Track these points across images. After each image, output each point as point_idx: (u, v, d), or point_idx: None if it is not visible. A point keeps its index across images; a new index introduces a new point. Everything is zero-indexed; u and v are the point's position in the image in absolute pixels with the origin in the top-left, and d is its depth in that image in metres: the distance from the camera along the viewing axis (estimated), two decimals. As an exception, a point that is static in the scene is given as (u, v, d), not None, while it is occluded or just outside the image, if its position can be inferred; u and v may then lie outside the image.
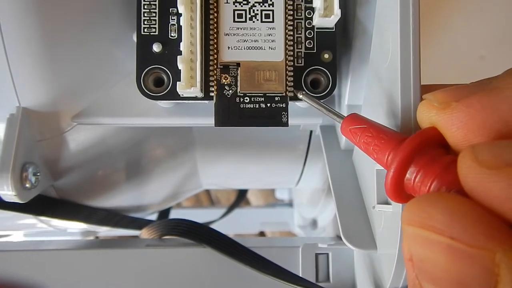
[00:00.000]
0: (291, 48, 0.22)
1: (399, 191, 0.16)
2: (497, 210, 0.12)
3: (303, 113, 0.26)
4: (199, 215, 0.28)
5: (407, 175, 0.16)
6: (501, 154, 0.13)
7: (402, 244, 0.14)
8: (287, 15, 0.22)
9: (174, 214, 0.50)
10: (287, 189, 0.65)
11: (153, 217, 0.46)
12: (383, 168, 0.17)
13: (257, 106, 0.22)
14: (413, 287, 0.14)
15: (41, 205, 0.29)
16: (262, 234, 0.66)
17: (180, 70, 0.21)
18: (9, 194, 0.23)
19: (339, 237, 0.32)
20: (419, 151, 0.15)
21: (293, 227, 0.62)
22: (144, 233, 0.32)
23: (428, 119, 0.16)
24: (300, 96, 0.22)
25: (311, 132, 0.34)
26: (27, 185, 0.24)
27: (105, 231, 0.40)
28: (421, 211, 0.13)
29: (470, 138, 0.14)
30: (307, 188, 0.45)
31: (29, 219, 0.34)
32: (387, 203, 0.20)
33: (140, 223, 0.37)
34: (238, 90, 0.22)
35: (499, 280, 0.12)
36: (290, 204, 0.65)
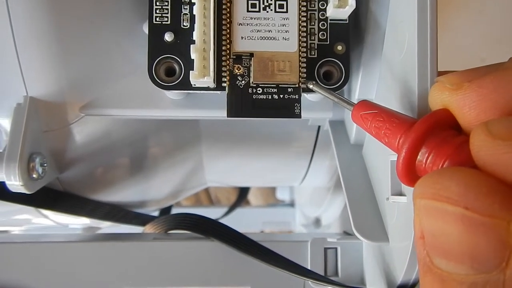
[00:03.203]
0: (305, 39, 0.22)
1: (411, 174, 0.16)
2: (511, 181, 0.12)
3: (313, 107, 0.26)
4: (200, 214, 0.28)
5: (419, 157, 0.16)
6: None
7: (413, 221, 0.14)
8: (300, 6, 0.22)
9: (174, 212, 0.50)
10: (288, 189, 0.65)
11: (155, 214, 0.46)
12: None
13: (270, 97, 0.22)
14: (423, 266, 0.14)
15: (46, 198, 0.28)
16: (262, 233, 0.65)
17: (192, 59, 0.21)
18: (16, 184, 0.23)
19: (346, 233, 0.32)
20: (431, 132, 0.15)
21: (294, 227, 0.62)
22: (148, 228, 0.31)
23: (441, 101, 0.16)
24: (311, 86, 0.22)
25: (318, 128, 0.33)
26: (34, 176, 0.24)
27: (107, 227, 0.40)
28: (435, 183, 0.13)
29: (482, 118, 0.14)
30: (311, 186, 0.45)
31: (25, 215, 0.33)
32: (401, 194, 0.20)
33: (144, 219, 0.36)
34: (251, 80, 0.22)
35: None
36: (291, 204, 0.65)
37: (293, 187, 0.63)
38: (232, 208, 0.59)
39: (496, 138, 0.13)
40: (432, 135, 0.15)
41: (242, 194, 0.61)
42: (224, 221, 0.50)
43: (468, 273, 0.13)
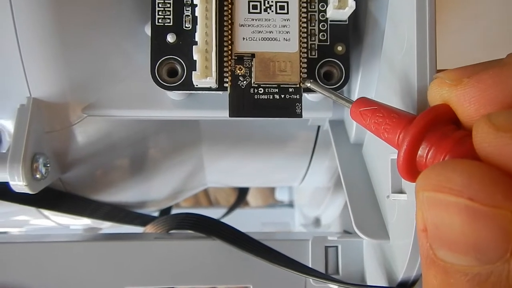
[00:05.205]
0: (305, 40, 0.23)
1: (412, 169, 0.16)
2: None
3: (313, 107, 0.26)
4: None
5: (419, 152, 0.16)
6: None
7: (415, 215, 0.14)
8: (301, 7, 0.23)
9: (173, 213, 0.50)
10: (287, 190, 0.65)
11: (155, 215, 0.46)
12: None
13: (271, 97, 0.22)
14: (426, 259, 0.14)
15: (49, 198, 0.29)
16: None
17: (194, 60, 0.21)
18: (20, 184, 0.23)
19: (346, 232, 0.32)
20: (431, 127, 0.15)
21: (293, 227, 0.62)
22: (149, 229, 0.31)
23: (440, 97, 0.16)
24: (308, 85, 0.22)
25: (318, 129, 0.34)
26: (38, 176, 0.24)
27: (107, 228, 0.40)
28: (439, 175, 0.13)
29: (482, 112, 0.15)
30: (310, 186, 0.45)
31: (26, 216, 0.33)
32: (401, 192, 0.21)
33: (144, 219, 0.36)
34: (253, 81, 0.22)
35: None
36: (290, 205, 0.65)
37: (292, 187, 0.63)
38: (231, 209, 0.59)
39: (499, 130, 0.13)
40: (432, 130, 0.15)
41: (241, 195, 0.61)
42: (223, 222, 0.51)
43: (472, 264, 0.13)
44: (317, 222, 0.49)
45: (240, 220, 0.61)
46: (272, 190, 0.71)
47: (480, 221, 0.12)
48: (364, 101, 0.18)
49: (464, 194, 0.13)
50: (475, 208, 0.12)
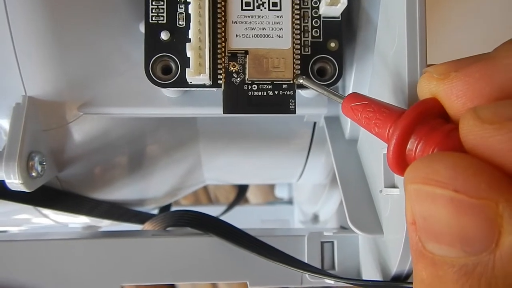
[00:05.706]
0: (298, 36, 0.23)
1: (401, 163, 0.16)
2: (499, 163, 0.13)
3: (308, 103, 0.26)
4: (199, 213, 0.29)
5: (409, 146, 0.16)
6: (501, 110, 0.13)
7: (405, 208, 0.15)
8: (294, 4, 0.23)
9: (173, 211, 0.50)
10: (287, 187, 0.65)
11: (154, 212, 0.46)
12: None
13: (265, 93, 0.22)
14: (415, 252, 0.14)
15: (46, 197, 0.29)
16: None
17: (188, 57, 0.22)
18: (16, 182, 0.23)
19: (342, 228, 0.32)
20: (420, 121, 0.15)
21: (293, 224, 0.62)
22: (147, 226, 0.32)
23: (429, 91, 0.16)
24: (301, 81, 0.22)
25: (314, 125, 0.34)
26: (33, 174, 0.24)
27: (106, 226, 0.40)
28: (426, 167, 0.13)
29: (468, 106, 0.15)
30: (308, 183, 0.46)
31: (25, 214, 0.34)
32: (394, 186, 0.21)
33: (143, 217, 0.37)
34: (246, 77, 0.22)
35: (502, 231, 0.12)
36: (289, 202, 0.65)
37: (292, 185, 0.63)
38: (230, 206, 0.59)
39: (484, 122, 0.13)
40: (421, 124, 0.15)
41: (240, 193, 0.61)
42: (223, 219, 0.51)
43: (459, 255, 0.13)
44: (315, 218, 0.49)
45: (239, 218, 0.61)
46: (272, 187, 0.72)
47: (465, 213, 0.13)
48: (355, 96, 0.18)
49: (450, 186, 0.13)
50: (460, 199, 0.13)
